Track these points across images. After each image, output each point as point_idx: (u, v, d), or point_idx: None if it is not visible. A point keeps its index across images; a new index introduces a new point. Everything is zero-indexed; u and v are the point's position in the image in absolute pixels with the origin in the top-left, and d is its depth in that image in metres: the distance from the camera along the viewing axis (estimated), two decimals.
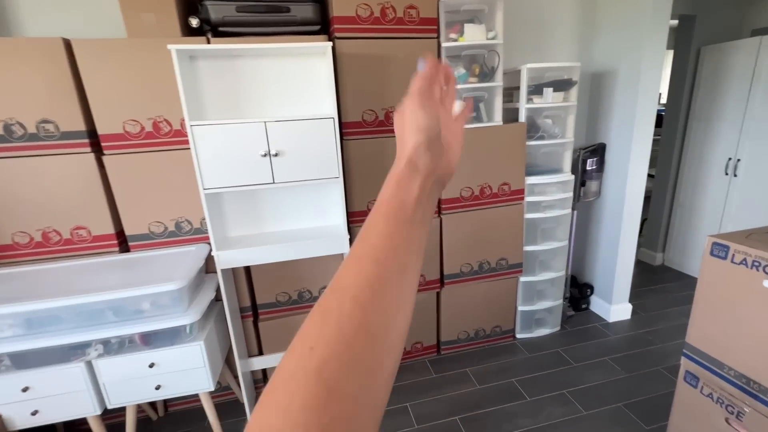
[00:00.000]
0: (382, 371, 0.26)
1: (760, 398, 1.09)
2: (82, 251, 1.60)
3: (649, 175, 4.25)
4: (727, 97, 2.65)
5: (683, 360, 1.32)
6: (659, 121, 5.00)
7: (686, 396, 1.33)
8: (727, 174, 2.71)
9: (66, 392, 1.37)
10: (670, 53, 4.57)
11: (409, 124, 0.36)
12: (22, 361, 1.32)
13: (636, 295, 2.70)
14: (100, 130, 1.50)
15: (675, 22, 2.92)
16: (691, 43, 2.79)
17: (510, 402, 1.84)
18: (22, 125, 1.44)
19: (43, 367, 1.33)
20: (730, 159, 2.68)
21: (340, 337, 0.26)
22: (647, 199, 3.39)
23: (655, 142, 3.53)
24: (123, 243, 1.65)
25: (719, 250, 1.16)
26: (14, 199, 1.49)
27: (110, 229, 1.60)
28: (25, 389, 1.33)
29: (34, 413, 1.36)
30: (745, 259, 1.09)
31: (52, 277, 1.45)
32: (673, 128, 3.01)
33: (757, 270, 1.06)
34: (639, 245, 3.46)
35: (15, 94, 1.41)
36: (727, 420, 1.20)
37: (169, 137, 1.56)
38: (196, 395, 1.87)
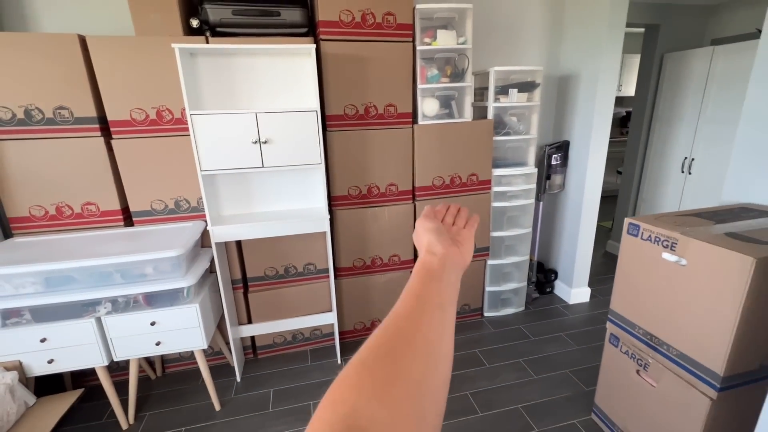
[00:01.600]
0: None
1: (659, 350, 1.33)
2: (91, 224, 1.80)
3: (618, 172, 4.51)
4: (685, 101, 2.89)
5: (608, 324, 1.56)
6: (626, 121, 5.25)
7: (610, 355, 1.57)
8: (683, 172, 2.95)
9: (78, 344, 1.58)
10: (631, 58, 4.83)
11: (422, 231, 0.53)
12: (41, 315, 1.52)
13: (598, 282, 2.94)
14: (110, 116, 1.70)
15: (642, 30, 3.15)
16: (655, 50, 3.02)
17: (471, 368, 2.07)
18: (40, 110, 1.63)
19: (59, 321, 1.54)
20: (686, 158, 2.92)
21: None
22: (615, 197, 3.65)
23: (623, 142, 3.78)
24: (128, 218, 1.85)
25: (633, 229, 1.39)
26: (31, 176, 1.68)
27: (117, 206, 1.80)
28: (43, 340, 1.54)
29: (50, 362, 1.57)
30: (650, 236, 1.32)
31: (65, 245, 1.65)
32: (638, 129, 3.25)
33: (658, 244, 1.29)
34: (608, 238, 3.73)
35: (34, 82, 1.60)
36: (637, 371, 1.44)
37: (170, 124, 1.76)
38: (191, 359, 2.09)
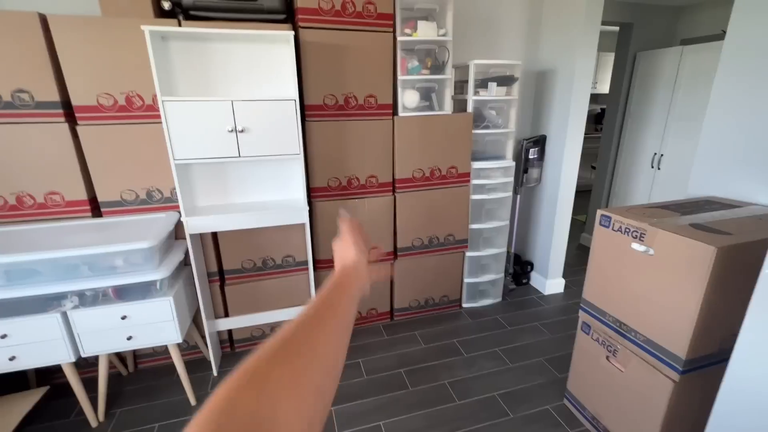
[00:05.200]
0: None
1: (627, 337, 1.39)
2: (55, 215, 1.71)
3: (592, 167, 4.64)
4: (656, 98, 3.00)
5: (580, 313, 1.61)
6: (602, 118, 5.39)
7: (582, 342, 1.63)
8: (653, 167, 3.07)
9: (42, 340, 1.50)
10: (606, 56, 4.95)
11: (353, 246, 0.53)
12: (1, 310, 1.44)
13: (572, 273, 3.03)
14: (75, 101, 1.61)
15: (617, 28, 3.23)
16: (629, 49, 3.11)
17: (449, 358, 2.11)
18: None
19: (21, 316, 1.46)
20: (655, 154, 3.04)
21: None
22: (590, 191, 3.76)
23: (598, 138, 3.88)
24: (96, 209, 1.77)
25: (605, 220, 1.43)
26: None
27: (83, 195, 1.72)
28: (3, 336, 1.46)
29: (12, 359, 1.49)
30: (620, 227, 1.37)
31: (27, 236, 1.57)
32: (611, 125, 3.35)
33: (628, 235, 1.34)
34: (582, 231, 3.85)
35: None
36: (607, 357, 1.49)
37: (141, 111, 1.68)
38: (165, 354, 2.04)
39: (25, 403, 1.51)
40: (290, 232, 2.04)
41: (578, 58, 2.30)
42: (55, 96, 1.58)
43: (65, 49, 1.54)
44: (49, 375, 1.88)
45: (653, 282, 1.27)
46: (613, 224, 1.39)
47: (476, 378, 1.96)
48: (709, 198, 1.58)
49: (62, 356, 1.55)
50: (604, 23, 2.61)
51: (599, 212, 1.45)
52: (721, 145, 1.57)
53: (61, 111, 1.60)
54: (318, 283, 2.18)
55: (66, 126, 1.62)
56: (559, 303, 2.67)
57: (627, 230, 1.34)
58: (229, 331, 2.14)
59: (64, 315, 1.51)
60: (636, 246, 1.30)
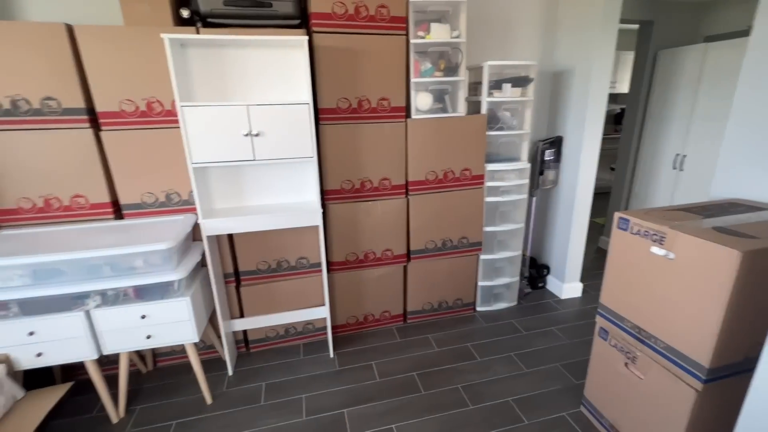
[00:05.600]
0: None
1: (647, 343, 1.35)
2: (80, 217, 1.78)
3: (611, 169, 4.53)
4: (678, 97, 2.91)
5: (597, 318, 1.57)
6: (621, 118, 5.27)
7: (600, 348, 1.58)
8: (675, 168, 2.98)
9: (67, 337, 1.56)
10: (625, 55, 4.83)
11: None
12: (28, 308, 1.50)
13: (590, 277, 2.97)
14: (99, 107, 1.67)
15: (636, 26, 3.15)
16: (649, 47, 3.03)
17: (462, 362, 2.09)
18: (27, 101, 1.60)
19: (47, 314, 1.52)
20: (677, 155, 2.94)
21: None
22: (609, 193, 3.67)
23: (617, 139, 3.79)
24: (117, 211, 1.83)
25: (623, 223, 1.40)
26: (19, 168, 1.66)
27: (106, 198, 1.78)
28: (31, 333, 1.52)
29: (39, 355, 1.56)
30: (639, 230, 1.33)
31: (54, 237, 1.63)
32: (631, 125, 3.26)
33: (647, 238, 1.30)
34: (601, 234, 3.76)
35: (21, 72, 1.57)
36: (625, 364, 1.45)
37: (161, 116, 1.74)
38: (182, 353, 2.09)
39: (51, 397, 1.57)
40: (304, 234, 2.06)
41: (596, 57, 2.25)
42: (80, 103, 1.65)
43: (90, 58, 1.60)
44: (74, 371, 1.95)
45: (674, 287, 1.23)
46: (632, 227, 1.36)
47: (490, 383, 1.93)
48: (734, 200, 1.52)
49: (85, 353, 1.61)
50: (622, 21, 2.55)
51: (617, 215, 1.42)
52: (746, 145, 1.51)
53: (86, 117, 1.67)
54: (332, 285, 2.20)
55: (90, 131, 1.69)
56: (577, 307, 2.61)
57: (646, 234, 1.30)
58: (244, 332, 2.18)
59: (87, 314, 1.57)
60: (656, 250, 1.27)
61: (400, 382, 1.94)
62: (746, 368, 1.18)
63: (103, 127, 1.70)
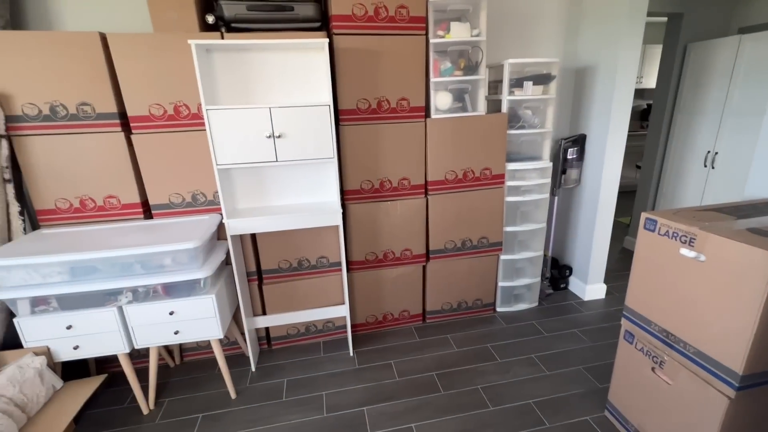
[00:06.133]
0: None
1: (675, 348, 1.31)
2: (113, 216, 1.86)
3: (637, 167, 4.39)
4: (709, 92, 2.79)
5: (623, 321, 1.53)
6: (647, 115, 5.09)
7: (625, 352, 1.55)
8: (705, 166, 2.86)
9: (102, 331, 1.64)
10: (652, 48, 4.66)
11: None
12: (67, 303, 1.59)
13: (614, 278, 2.89)
14: (130, 112, 1.74)
15: (664, 19, 3.04)
16: (678, 40, 2.92)
17: (482, 362, 2.07)
18: (64, 106, 1.69)
19: (83, 309, 1.60)
20: (708, 152, 2.83)
21: None
22: (634, 192, 3.56)
23: (643, 136, 3.68)
24: (147, 211, 1.91)
25: (650, 224, 1.36)
26: (56, 170, 1.75)
27: (137, 199, 1.86)
28: (68, 327, 1.61)
29: (76, 348, 1.64)
30: (668, 231, 1.29)
31: (89, 236, 1.71)
32: (659, 122, 3.15)
33: (676, 240, 1.26)
34: (625, 234, 3.65)
35: (59, 79, 1.65)
36: (652, 369, 1.41)
37: (187, 120, 1.80)
38: (208, 348, 2.16)
39: (87, 388, 1.65)
40: (324, 233, 2.09)
41: (622, 51, 2.19)
42: (113, 107, 1.72)
43: (122, 65, 1.67)
44: (107, 364, 2.05)
45: (705, 291, 1.19)
46: (660, 228, 1.32)
47: (511, 384, 1.91)
48: None
49: (118, 347, 1.69)
50: (650, 14, 2.47)
51: (644, 215, 1.38)
52: None
53: (118, 121, 1.74)
54: (351, 284, 2.22)
55: (122, 135, 1.76)
56: (600, 309, 2.55)
57: (675, 235, 1.26)
58: (266, 329, 2.23)
59: (120, 309, 1.64)
60: (685, 252, 1.23)
61: (419, 382, 1.95)
62: None
63: (134, 131, 1.77)
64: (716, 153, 2.78)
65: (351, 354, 2.18)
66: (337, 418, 1.74)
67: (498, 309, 2.55)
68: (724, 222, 1.23)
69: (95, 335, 1.64)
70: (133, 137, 1.77)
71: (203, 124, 1.79)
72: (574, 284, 2.76)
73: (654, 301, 1.38)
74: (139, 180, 1.85)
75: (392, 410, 1.78)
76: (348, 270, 2.19)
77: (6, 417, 1.35)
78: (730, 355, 1.12)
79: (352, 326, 2.31)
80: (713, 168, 2.81)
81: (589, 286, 2.65)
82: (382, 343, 2.27)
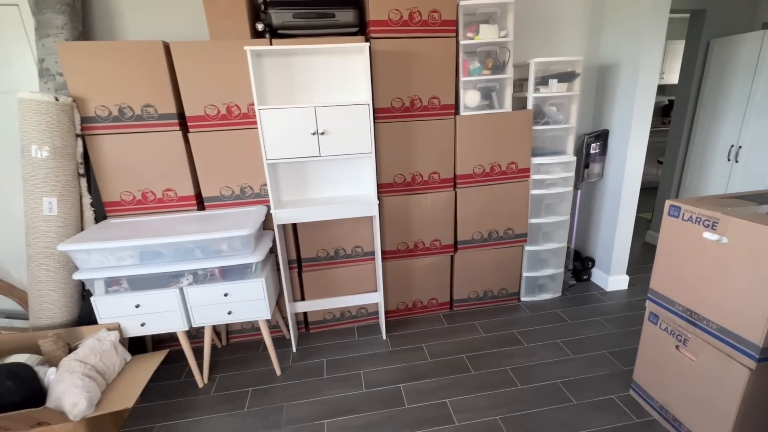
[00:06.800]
0: None
1: (698, 325, 1.40)
2: (170, 208, 2.04)
3: (659, 162, 4.41)
4: (733, 87, 2.83)
5: (648, 303, 1.63)
6: (669, 110, 5.08)
7: (649, 332, 1.64)
8: (729, 160, 2.90)
9: (165, 311, 1.82)
10: (674, 44, 4.65)
11: None
12: (135, 284, 1.77)
13: (637, 271, 2.95)
14: (188, 112, 1.92)
15: (687, 15, 3.09)
16: (701, 36, 2.96)
17: (509, 346, 2.18)
18: (131, 108, 1.88)
19: (150, 290, 1.79)
20: (732, 146, 2.86)
21: None
22: (655, 188, 3.60)
23: (665, 132, 3.70)
24: (200, 203, 2.09)
25: (674, 210, 1.45)
26: (122, 166, 1.94)
27: (191, 192, 2.04)
28: (137, 306, 1.79)
29: (143, 325, 1.83)
30: (691, 216, 1.39)
31: (151, 225, 1.90)
32: (681, 117, 3.19)
33: (699, 224, 1.36)
34: (647, 229, 3.70)
35: (126, 84, 1.84)
36: (677, 347, 1.51)
37: (238, 119, 1.96)
38: (251, 331, 2.33)
39: (152, 361, 1.83)
40: (359, 224, 2.24)
41: (644, 48, 2.26)
42: (172, 108, 1.90)
43: (182, 70, 1.85)
44: (160, 343, 2.24)
45: (727, 271, 1.28)
46: (683, 214, 1.41)
47: (537, 366, 2.02)
48: None
49: (179, 325, 1.86)
50: (673, 11, 2.53)
51: (668, 202, 1.47)
52: None
53: (177, 121, 1.92)
54: (383, 273, 2.36)
55: (180, 133, 1.94)
56: (623, 300, 2.62)
57: (698, 219, 1.36)
58: (305, 314, 2.39)
59: (181, 290, 1.82)
60: (708, 235, 1.32)
61: (450, 363, 2.07)
62: None
63: (191, 129, 1.95)
64: (740, 147, 2.82)
65: (384, 338, 2.32)
66: (376, 393, 1.88)
67: (522, 298, 2.65)
68: (746, 207, 1.32)
69: (159, 314, 1.83)
70: (189, 135, 1.95)
71: (252, 122, 1.96)
72: (597, 276, 2.84)
73: (678, 283, 1.47)
74: (194, 174, 2.03)
75: (426, 387, 1.91)
76: (382, 259, 2.33)
77: (91, 381, 1.53)
78: (751, 329, 1.22)
79: (384, 313, 2.44)
80: (737, 162, 2.84)
81: (612, 277, 2.72)
82: (412, 329, 2.40)
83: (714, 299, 1.33)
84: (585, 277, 2.88)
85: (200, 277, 1.83)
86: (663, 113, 5.21)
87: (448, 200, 2.31)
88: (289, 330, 2.28)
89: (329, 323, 2.43)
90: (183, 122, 1.96)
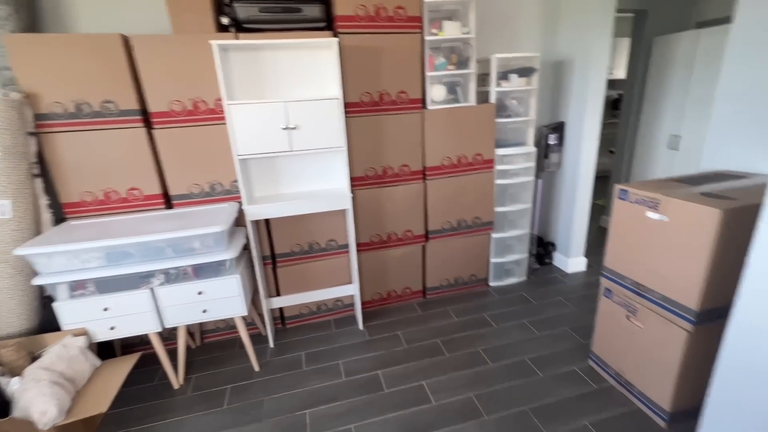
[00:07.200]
0: None
1: (645, 296, 1.56)
2: (136, 207, 1.98)
3: (611, 151, 4.72)
4: (672, 82, 3.09)
5: (602, 279, 1.78)
6: (619, 104, 5.40)
7: (605, 306, 1.80)
8: (670, 149, 3.17)
9: (135, 312, 1.78)
10: (623, 41, 4.97)
11: None
12: (103, 286, 1.72)
13: (594, 253, 3.17)
14: (151, 108, 1.87)
15: (632, 15, 3.33)
16: (644, 34, 3.21)
17: (480, 329, 2.30)
18: (89, 104, 1.80)
19: (119, 292, 1.73)
20: (672, 136, 3.13)
21: None
22: (609, 176, 3.87)
23: (616, 124, 3.98)
24: (168, 201, 2.04)
25: (622, 194, 1.60)
26: (82, 165, 1.86)
27: (158, 190, 1.98)
28: (105, 309, 1.74)
29: (112, 328, 1.77)
30: (636, 198, 1.53)
31: (116, 225, 1.83)
32: (629, 110, 3.45)
33: (643, 205, 1.50)
34: (602, 214, 3.96)
35: (84, 79, 1.76)
36: (627, 317, 1.67)
37: (205, 114, 1.93)
38: (226, 330, 2.31)
39: (123, 366, 1.77)
40: (333, 218, 2.27)
41: (594, 45, 2.43)
42: (135, 104, 1.84)
43: (145, 64, 1.80)
44: (130, 347, 2.17)
45: (667, 245, 1.43)
46: (630, 196, 1.56)
47: (507, 345, 2.15)
48: (721, 171, 1.72)
49: (151, 326, 1.82)
50: (618, 11, 2.72)
51: (617, 186, 1.62)
52: (731, 122, 1.71)
53: (140, 117, 1.86)
54: (359, 264, 2.40)
55: (144, 130, 1.88)
56: (582, 280, 2.82)
57: (643, 201, 1.51)
58: (281, 309, 2.40)
59: (152, 291, 1.78)
60: (651, 214, 1.47)
61: (425, 348, 2.16)
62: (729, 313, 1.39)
63: (155, 126, 1.90)
64: (680, 137, 3.09)
65: (361, 328, 2.37)
66: (356, 381, 1.94)
67: (491, 283, 2.79)
68: (683, 189, 1.48)
69: (130, 316, 1.78)
70: (154, 132, 1.89)
71: (220, 118, 1.94)
72: (558, 259, 3.03)
73: (627, 260, 1.63)
74: (160, 172, 1.97)
75: (404, 372, 1.99)
76: (356, 251, 2.37)
77: (60, 388, 1.48)
78: (688, 296, 1.38)
79: (360, 303, 2.49)
80: (677, 150, 3.12)
81: (571, 259, 2.92)
82: (388, 318, 2.47)
83: (657, 272, 1.49)
84: (547, 260, 3.06)
85: (172, 277, 1.79)
86: (614, 106, 5.57)
87: (419, 192, 2.39)
88: (265, 326, 2.28)
89: (306, 317, 2.45)
90: (146, 118, 1.90)
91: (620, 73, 5.16)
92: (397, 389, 1.87)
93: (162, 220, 1.89)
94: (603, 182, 4.55)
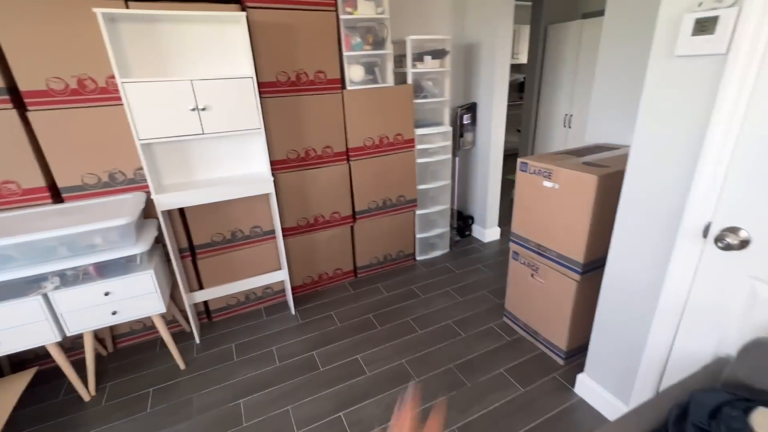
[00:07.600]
0: None
1: (545, 255, 1.79)
2: (13, 204, 1.70)
3: (518, 131, 5.17)
4: (564, 66, 3.48)
5: (511, 244, 2.00)
6: (523, 87, 5.91)
7: (514, 268, 2.02)
8: (565, 126, 3.59)
9: (25, 323, 1.55)
10: (524, 28, 5.42)
11: None
12: None
13: (506, 223, 3.48)
14: (22, 86, 1.59)
15: (530, 3, 3.64)
16: (540, 22, 3.54)
17: (409, 300, 2.44)
18: None
19: (1, 301, 1.49)
20: (566, 115, 3.55)
21: None
22: (517, 154, 4.25)
23: (522, 105, 4.36)
24: (56, 195, 1.78)
25: (523, 166, 1.79)
26: None
27: (41, 182, 1.72)
28: None
29: None
30: (535, 170, 1.73)
31: None
32: (531, 92, 3.81)
33: (540, 175, 1.71)
34: (513, 188, 4.36)
35: None
36: (531, 275, 1.90)
37: (95, 94, 1.71)
38: (142, 331, 2.13)
39: (15, 384, 1.56)
40: (255, 203, 2.19)
41: (497, 31, 2.63)
42: None
43: (5, 31, 1.51)
44: (24, 364, 1.90)
45: (559, 209, 1.65)
46: (530, 168, 1.76)
47: (433, 313, 2.31)
48: (599, 144, 2.01)
49: (47, 337, 1.61)
50: None
51: (519, 160, 1.81)
52: (606, 101, 2.00)
53: (8, 97, 1.58)
54: (286, 250, 2.36)
55: (15, 113, 1.60)
56: (497, 248, 3.11)
57: (540, 172, 1.71)
58: (205, 303, 2.27)
59: (46, 297, 1.57)
60: (546, 183, 1.68)
61: (358, 324, 2.23)
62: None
63: (30, 107, 1.63)
64: (571, 115, 3.51)
65: (293, 313, 2.35)
66: (291, 365, 1.94)
67: (417, 257, 2.95)
68: (570, 160, 1.70)
69: (18, 328, 1.55)
70: (29, 115, 1.63)
71: (115, 98, 1.73)
72: (476, 230, 3.30)
73: (530, 225, 1.84)
74: (42, 161, 1.71)
75: (338, 350, 2.04)
76: (282, 236, 2.33)
77: None
78: (576, 251, 1.61)
79: (291, 289, 2.47)
80: (570, 127, 3.55)
81: (488, 230, 3.20)
82: (320, 300, 2.49)
83: (553, 233, 1.71)
84: (467, 233, 3.32)
85: (70, 279, 1.59)
86: (519, 89, 6.09)
87: (343, 173, 2.40)
88: (189, 322, 2.15)
89: (234, 308, 2.35)
90: (18, 98, 1.62)
91: (524, 58, 5.63)
92: (332, 366, 1.92)
93: (52, 216, 1.65)
94: (513, 159, 4.99)
